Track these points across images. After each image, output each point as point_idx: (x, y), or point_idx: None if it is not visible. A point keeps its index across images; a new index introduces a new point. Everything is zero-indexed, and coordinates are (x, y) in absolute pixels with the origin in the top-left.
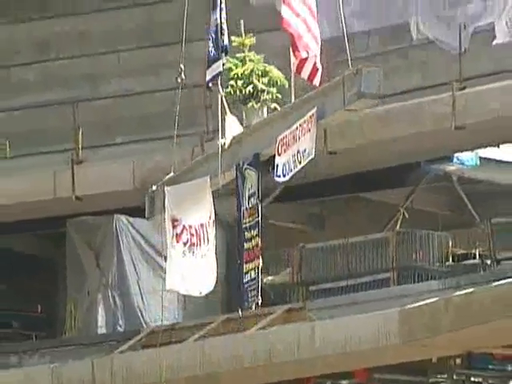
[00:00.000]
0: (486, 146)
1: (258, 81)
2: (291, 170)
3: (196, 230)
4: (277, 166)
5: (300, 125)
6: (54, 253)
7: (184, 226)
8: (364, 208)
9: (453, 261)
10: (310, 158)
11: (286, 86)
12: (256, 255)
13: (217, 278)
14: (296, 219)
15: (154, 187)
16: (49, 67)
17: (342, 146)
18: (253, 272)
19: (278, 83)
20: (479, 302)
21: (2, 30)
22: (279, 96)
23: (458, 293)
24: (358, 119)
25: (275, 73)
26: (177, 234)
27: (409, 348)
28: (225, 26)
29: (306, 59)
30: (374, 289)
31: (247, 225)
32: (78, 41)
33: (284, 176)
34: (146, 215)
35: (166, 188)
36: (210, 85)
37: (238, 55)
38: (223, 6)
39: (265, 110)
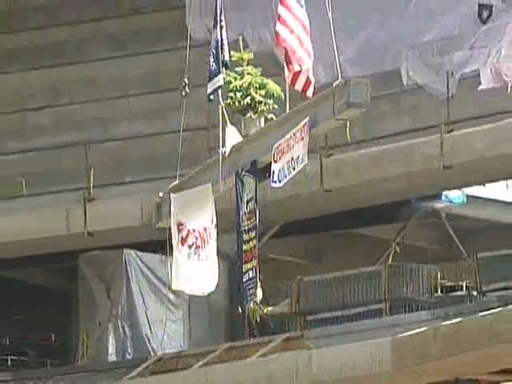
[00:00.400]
0: (473, 185)
1: (256, 93)
2: (286, 176)
3: (200, 234)
4: (273, 172)
5: (294, 133)
6: (67, 285)
7: (189, 230)
8: (358, 243)
9: (441, 292)
10: (303, 164)
11: (282, 97)
12: (254, 256)
13: (220, 307)
14: (294, 253)
15: (161, 194)
16: (61, 111)
17: (337, 185)
18: (251, 272)
19: (275, 95)
20: (466, 331)
21: (18, 77)
22: (276, 107)
23: (446, 322)
24: (353, 160)
25: (272, 85)
26: (182, 238)
27: (400, 374)
28: (225, 42)
29: (300, 72)
30: (368, 319)
31: (245, 228)
32: (89, 86)
33: (280, 181)
34: (153, 221)
35: (171, 195)
36: (211, 97)
37: (236, 69)
38: (223, 24)
39: (262, 120)
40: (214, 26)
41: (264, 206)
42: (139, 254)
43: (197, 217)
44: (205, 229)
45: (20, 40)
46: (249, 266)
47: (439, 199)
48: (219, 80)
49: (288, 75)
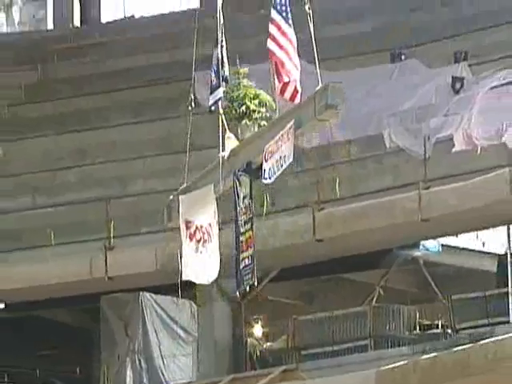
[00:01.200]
0: (447, 235)
1: (250, 102)
2: (275, 173)
3: (206, 229)
4: (264, 170)
5: (282, 135)
6: (90, 324)
7: (197, 226)
8: (346, 286)
9: (419, 330)
10: (289, 161)
11: (274, 107)
12: (249, 245)
13: (224, 344)
14: (290, 296)
15: (171, 197)
16: (86, 170)
17: (328, 235)
18: (247, 259)
19: (267, 104)
20: (442, 365)
21: (48, 141)
22: (268, 115)
23: (424, 357)
24: (342, 213)
25: (264, 96)
26: (190, 234)
27: None
28: (225, 60)
29: (288, 83)
30: (355, 353)
31: (242, 221)
32: (110, 149)
33: (270, 178)
34: (165, 221)
35: (180, 196)
36: (213, 108)
37: (233, 82)
38: (224, 43)
39: (256, 126)
40: (215, 46)
41: (264, 253)
42: (154, 296)
43: (202, 214)
44: (210, 224)
45: (49, 108)
46: (245, 254)
47: (418, 248)
48: (219, 93)
49: (278, 85)
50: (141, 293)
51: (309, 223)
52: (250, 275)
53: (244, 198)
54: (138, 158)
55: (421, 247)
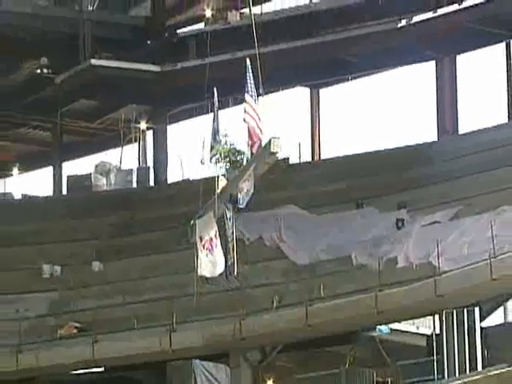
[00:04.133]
0: (394, 322)
1: (232, 155)
2: (245, 201)
3: (211, 241)
4: (239, 200)
5: (248, 175)
6: (160, 381)
7: (206, 240)
8: (328, 356)
9: None
10: (251, 192)
11: (245, 154)
12: (233, 250)
13: None
14: (290, 362)
15: (192, 222)
16: (156, 281)
17: (316, 322)
18: (232, 259)
19: (243, 153)
20: None
21: (131, 261)
22: (243, 159)
23: None
24: (326, 307)
25: (242, 151)
26: (203, 246)
27: None
28: (220, 129)
29: (255, 142)
30: None
31: (229, 233)
32: (171, 266)
33: (242, 204)
34: (189, 238)
35: (196, 221)
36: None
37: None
38: (218, 118)
39: (236, 170)
40: (213, 121)
41: (274, 334)
42: (202, 362)
43: (208, 231)
44: (214, 237)
45: (135, 240)
46: (230, 256)
47: (374, 330)
48: (214, 152)
49: (250, 143)
50: (193, 360)
51: (303, 314)
52: (232, 267)
53: (229, 218)
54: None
55: (377, 329)
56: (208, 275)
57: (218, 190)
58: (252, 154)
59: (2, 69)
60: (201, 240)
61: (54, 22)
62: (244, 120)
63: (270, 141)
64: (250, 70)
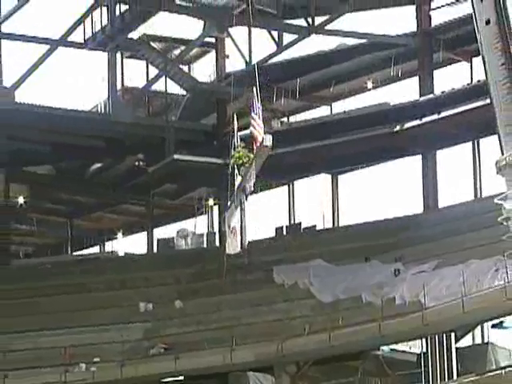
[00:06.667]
0: (394, 344)
1: (244, 158)
2: (250, 192)
3: (235, 229)
4: (249, 189)
5: (253, 170)
6: None
7: (233, 228)
8: (344, 368)
9: None
10: (254, 181)
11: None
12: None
13: None
14: (316, 372)
15: (226, 213)
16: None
17: (336, 344)
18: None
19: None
20: None
21: (202, 303)
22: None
23: None
24: (340, 336)
25: (251, 155)
26: (230, 231)
27: None
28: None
29: (258, 145)
30: None
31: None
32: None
33: (250, 193)
34: (226, 225)
35: (226, 213)
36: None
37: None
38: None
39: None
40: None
41: (303, 353)
42: (255, 373)
43: (233, 220)
44: (235, 226)
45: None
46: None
47: (379, 349)
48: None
49: (255, 147)
50: (248, 372)
51: (327, 338)
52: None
53: (243, 203)
54: (245, 307)
55: (380, 349)
56: (233, 252)
57: (237, 186)
58: (254, 154)
59: (111, 162)
60: (230, 228)
61: (147, 128)
62: (251, 132)
63: (263, 138)
64: (257, 101)
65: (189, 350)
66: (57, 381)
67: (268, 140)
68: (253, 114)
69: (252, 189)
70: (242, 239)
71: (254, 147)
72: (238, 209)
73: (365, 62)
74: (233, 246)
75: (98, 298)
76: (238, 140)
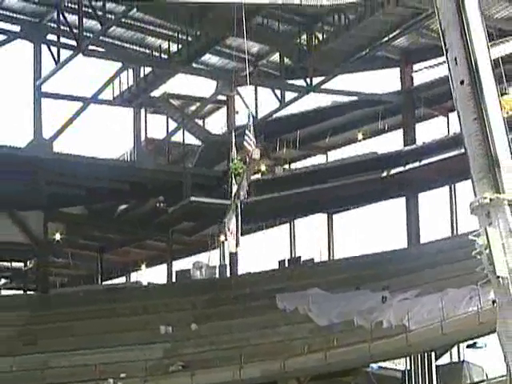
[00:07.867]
0: (382, 362)
1: (239, 169)
2: (245, 196)
3: (233, 230)
4: (242, 196)
5: (246, 179)
6: None
7: (231, 229)
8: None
9: None
10: (246, 188)
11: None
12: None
13: None
14: None
15: (225, 219)
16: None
17: (331, 362)
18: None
19: (243, 168)
20: None
21: (216, 325)
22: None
23: None
24: (335, 355)
25: (245, 167)
26: (230, 232)
27: None
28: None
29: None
30: None
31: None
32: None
33: (243, 197)
34: (226, 226)
35: (226, 217)
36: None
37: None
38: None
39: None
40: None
41: (304, 369)
42: None
43: (231, 223)
44: (233, 228)
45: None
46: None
47: (368, 367)
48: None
49: (248, 161)
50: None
51: (323, 357)
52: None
53: (237, 208)
54: (251, 330)
55: (370, 367)
56: (233, 251)
57: (234, 193)
58: (247, 165)
59: (136, 204)
60: (229, 230)
61: (167, 174)
62: (244, 146)
63: (252, 151)
64: (250, 125)
65: (203, 367)
66: None
67: (256, 153)
68: (247, 131)
69: (246, 196)
70: (237, 239)
71: (247, 159)
72: (234, 213)
73: (356, 117)
74: (231, 245)
75: (124, 322)
76: (235, 153)
